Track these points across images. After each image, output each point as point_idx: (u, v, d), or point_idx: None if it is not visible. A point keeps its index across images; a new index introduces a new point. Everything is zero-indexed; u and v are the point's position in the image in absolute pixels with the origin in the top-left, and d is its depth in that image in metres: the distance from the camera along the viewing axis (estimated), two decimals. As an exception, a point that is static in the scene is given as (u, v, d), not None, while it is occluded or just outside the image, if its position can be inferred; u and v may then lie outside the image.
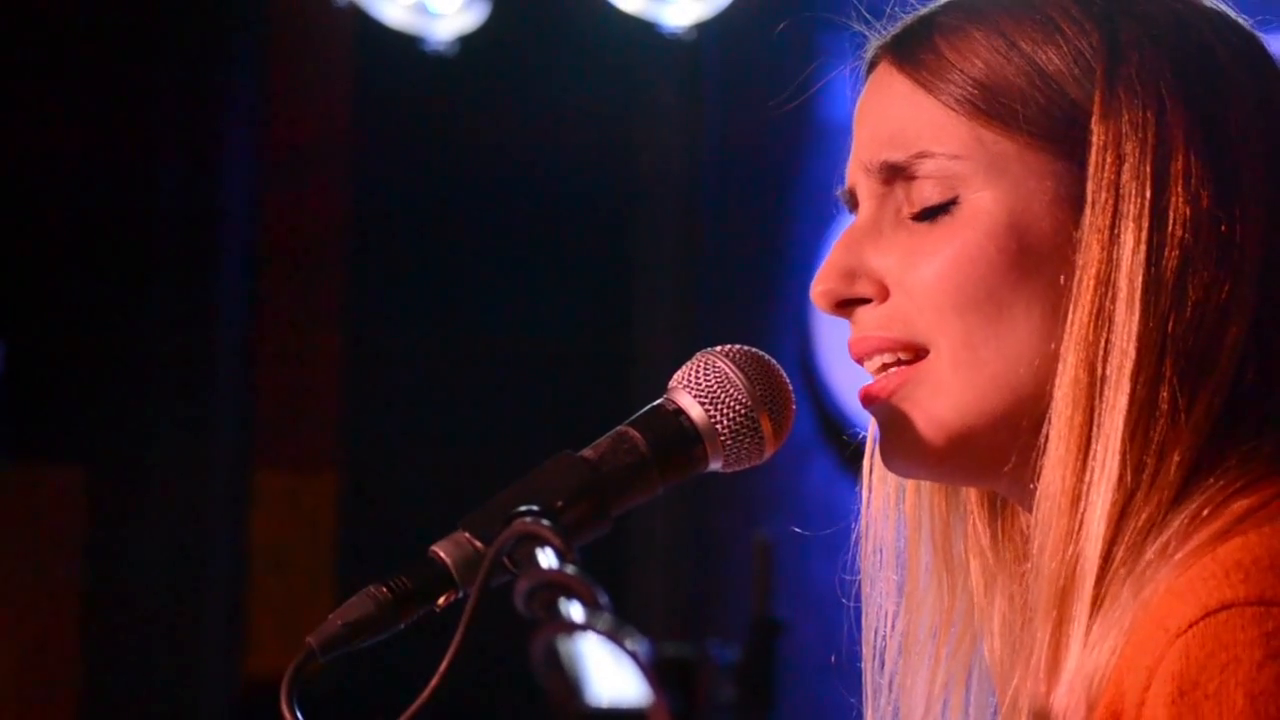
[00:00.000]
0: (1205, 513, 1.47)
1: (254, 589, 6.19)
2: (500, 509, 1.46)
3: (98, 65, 6.11)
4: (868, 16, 1.69)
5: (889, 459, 1.62)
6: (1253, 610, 1.38)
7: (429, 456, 5.93)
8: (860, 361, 1.63)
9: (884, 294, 1.60)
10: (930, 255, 1.57)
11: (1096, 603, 1.48)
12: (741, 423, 1.56)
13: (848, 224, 1.65)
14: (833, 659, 1.76)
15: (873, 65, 1.67)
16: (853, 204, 1.66)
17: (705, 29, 5.43)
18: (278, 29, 6.37)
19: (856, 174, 1.64)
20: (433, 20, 5.53)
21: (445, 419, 6.03)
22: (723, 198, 5.86)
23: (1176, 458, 1.49)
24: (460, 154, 6.04)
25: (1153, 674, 1.39)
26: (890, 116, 1.62)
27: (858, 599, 1.72)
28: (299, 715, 1.46)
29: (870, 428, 1.70)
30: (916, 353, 1.59)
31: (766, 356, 1.60)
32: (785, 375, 1.60)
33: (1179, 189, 1.52)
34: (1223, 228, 1.52)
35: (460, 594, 1.48)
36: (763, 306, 5.75)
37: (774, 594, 4.44)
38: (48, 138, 6.11)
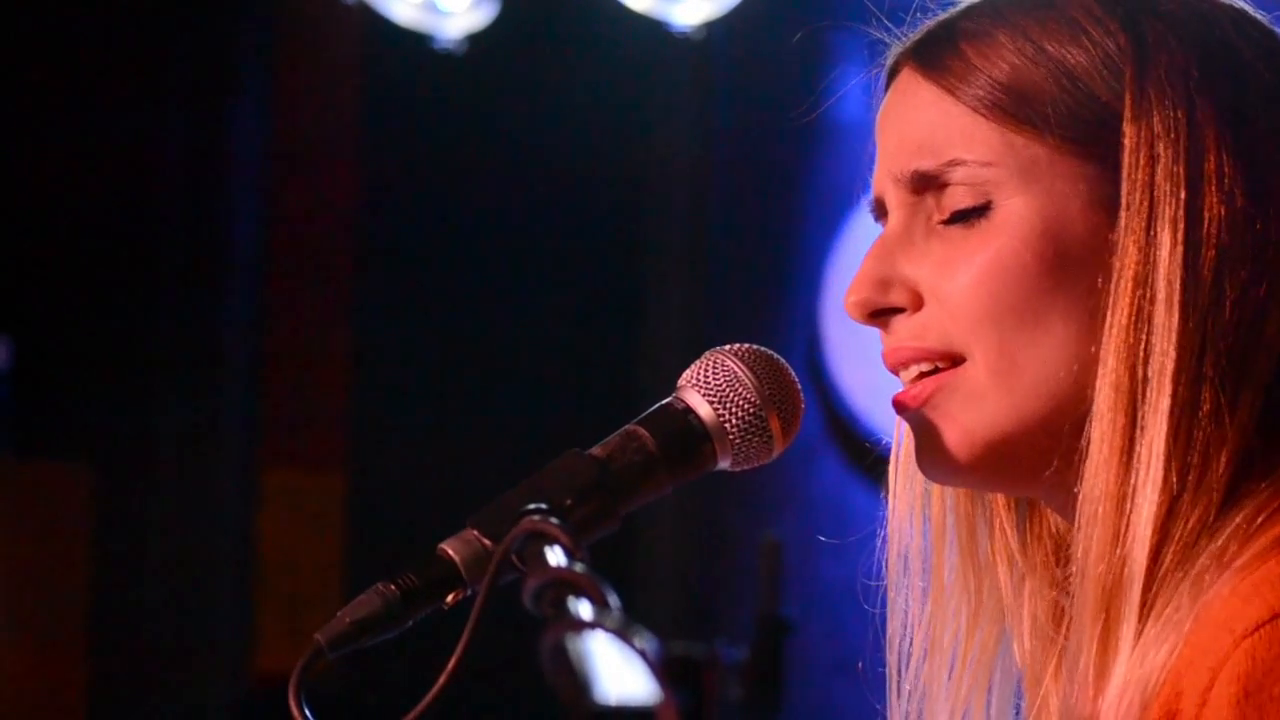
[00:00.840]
0: (1261, 519, 1.46)
1: (262, 588, 6.20)
2: (509, 507, 1.46)
3: (105, 63, 6.11)
4: (887, 24, 1.68)
5: (926, 467, 1.61)
6: None
7: (437, 456, 5.94)
8: (895, 372, 1.61)
9: (918, 303, 1.59)
10: (964, 263, 1.56)
11: (1146, 606, 1.47)
12: (750, 422, 1.56)
13: (876, 233, 1.63)
14: (860, 665, 1.76)
15: (894, 72, 1.66)
16: (881, 214, 1.64)
17: (715, 28, 5.43)
18: (287, 27, 6.37)
19: (885, 183, 1.63)
20: (442, 18, 5.53)
21: (453, 418, 6.03)
22: (732, 196, 5.86)
23: (1223, 458, 1.49)
24: (469, 153, 6.04)
25: (1216, 675, 1.39)
26: (918, 124, 1.60)
27: (875, 603, 1.71)
28: (307, 713, 1.46)
29: (895, 434, 1.69)
30: (953, 360, 1.58)
31: (776, 356, 1.59)
32: (794, 375, 1.59)
33: (1213, 188, 1.52)
34: (1258, 225, 1.52)
35: (468, 592, 1.48)
36: (772, 306, 5.74)
37: (782, 593, 4.44)
38: (56, 136, 6.11)
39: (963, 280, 1.56)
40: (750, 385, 1.57)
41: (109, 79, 6.11)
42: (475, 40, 5.55)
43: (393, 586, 1.47)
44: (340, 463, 6.31)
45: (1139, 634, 1.47)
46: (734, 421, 1.56)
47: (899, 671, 1.70)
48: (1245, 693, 1.36)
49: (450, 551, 1.48)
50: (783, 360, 1.59)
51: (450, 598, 1.48)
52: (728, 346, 1.59)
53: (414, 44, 5.55)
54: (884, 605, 1.70)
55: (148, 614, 5.98)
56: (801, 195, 5.60)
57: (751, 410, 1.56)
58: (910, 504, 1.69)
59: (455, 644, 1.43)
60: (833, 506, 5.31)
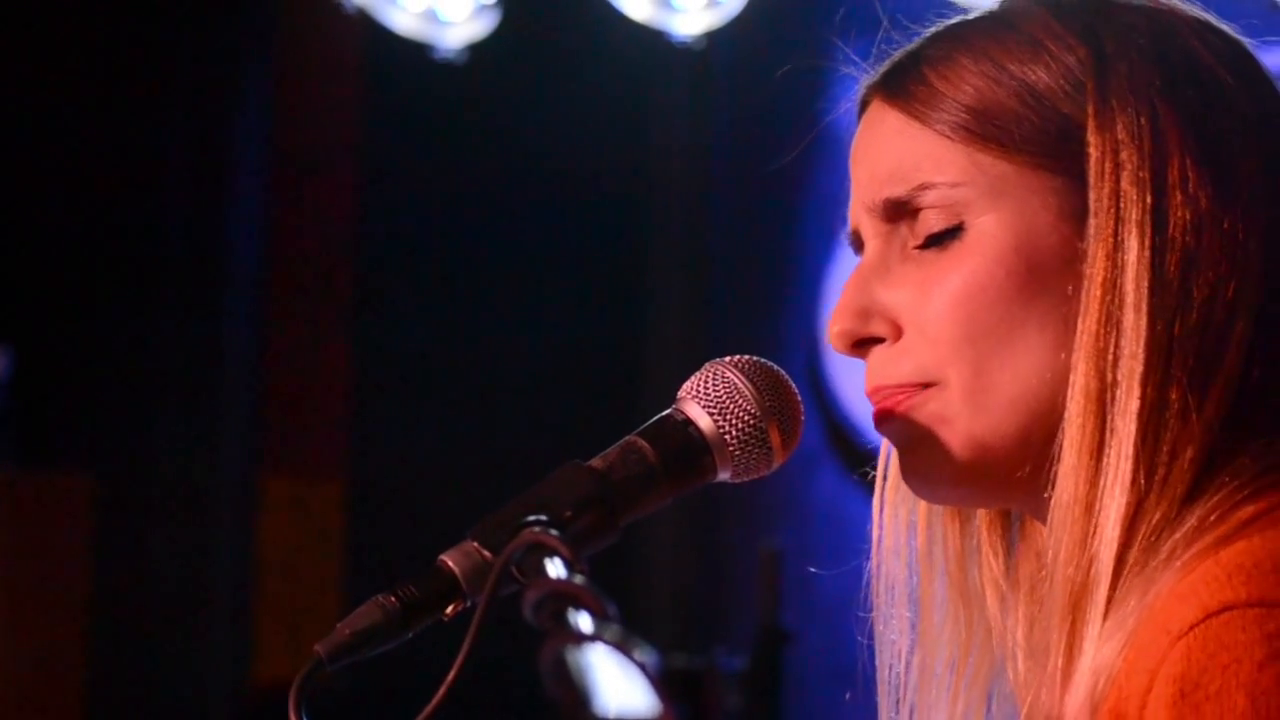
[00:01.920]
0: (1212, 518, 1.47)
1: (261, 597, 6.20)
2: (509, 518, 1.46)
3: (106, 72, 6.12)
4: (855, 59, 1.70)
5: (909, 480, 1.62)
6: (1254, 611, 1.38)
7: (437, 465, 5.93)
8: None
9: (897, 332, 1.60)
10: (939, 286, 1.57)
11: (1109, 606, 1.49)
12: (750, 433, 1.56)
13: (855, 264, 1.65)
14: (851, 695, 1.76)
15: (864, 105, 1.67)
16: (858, 245, 1.66)
17: (715, 38, 5.43)
18: (288, 36, 6.37)
19: (859, 215, 1.65)
20: (442, 28, 5.53)
21: (453, 427, 6.03)
22: (732, 207, 5.86)
23: (1188, 455, 1.50)
24: (470, 163, 6.04)
25: (1154, 676, 1.39)
26: (887, 153, 1.62)
27: (870, 635, 1.72)
28: (307, 724, 1.46)
29: (880, 461, 1.71)
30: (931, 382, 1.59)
31: (776, 367, 1.60)
32: (794, 386, 1.60)
33: (1178, 192, 1.53)
34: (1224, 227, 1.53)
35: (468, 603, 1.48)
36: (772, 316, 5.75)
37: (781, 603, 4.44)
38: (56, 144, 6.11)
39: (939, 304, 1.57)
40: (750, 397, 1.57)
41: (110, 88, 6.12)
42: (476, 50, 5.56)
43: (392, 598, 1.47)
44: (340, 472, 6.31)
45: (1102, 634, 1.48)
46: (734, 433, 1.56)
47: (890, 701, 1.71)
48: (1181, 693, 1.37)
49: (450, 563, 1.48)
50: (783, 372, 1.60)
51: (450, 609, 1.48)
52: (728, 358, 1.60)
53: (415, 53, 5.55)
54: (872, 636, 1.71)
55: (147, 623, 5.98)
56: (801, 205, 5.61)
57: (751, 422, 1.56)
58: (896, 536, 1.70)
59: (455, 656, 1.43)
60: (832, 517, 5.31)
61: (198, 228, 6.16)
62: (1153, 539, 1.49)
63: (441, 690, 1.44)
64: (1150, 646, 1.41)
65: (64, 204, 6.12)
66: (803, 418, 1.60)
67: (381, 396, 6.23)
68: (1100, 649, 1.46)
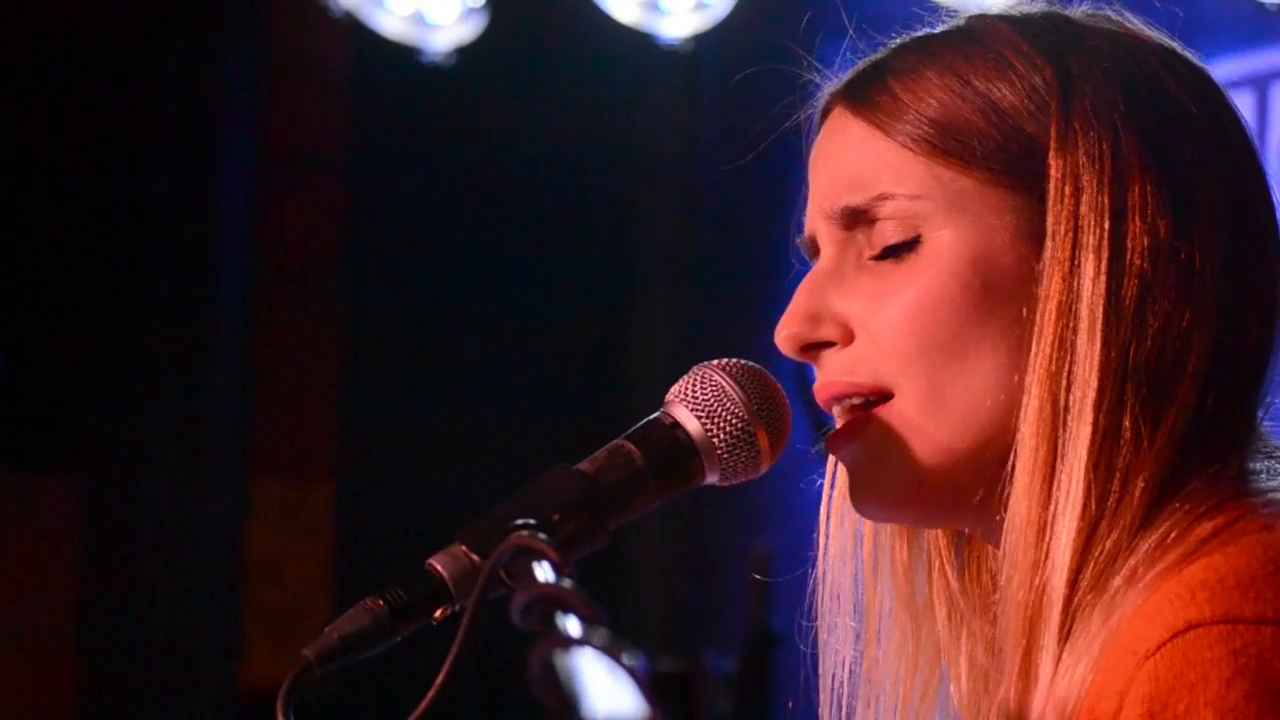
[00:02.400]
0: (1171, 537, 1.47)
1: (250, 600, 6.19)
2: (497, 522, 1.46)
3: (97, 77, 6.11)
4: (818, 65, 1.69)
5: (859, 503, 1.62)
6: (1219, 629, 1.38)
7: (426, 468, 5.93)
8: (828, 408, 1.63)
9: (848, 337, 1.60)
10: (893, 297, 1.57)
11: (1064, 631, 1.48)
12: (738, 437, 1.56)
13: (808, 271, 1.65)
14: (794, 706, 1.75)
15: (826, 112, 1.67)
16: (813, 252, 1.66)
17: (703, 40, 5.43)
18: (276, 40, 6.37)
19: (816, 221, 1.65)
20: (430, 31, 5.53)
21: (442, 431, 6.03)
22: (720, 208, 5.86)
23: (1141, 484, 1.49)
24: (458, 165, 6.04)
25: (1124, 697, 1.39)
26: (848, 160, 1.62)
27: (814, 644, 1.71)
28: (296, 728, 1.46)
29: (827, 472, 1.70)
30: (882, 395, 1.58)
31: (764, 371, 1.59)
32: (782, 390, 1.60)
33: (1137, 219, 1.53)
34: (1181, 256, 1.53)
35: (456, 607, 1.48)
36: (759, 318, 5.74)
37: (770, 605, 4.44)
38: (45, 147, 6.11)
39: (891, 314, 1.57)
40: (738, 400, 1.57)
41: (100, 92, 6.11)
42: (464, 53, 5.55)
43: (381, 602, 1.47)
44: (329, 474, 6.31)
45: (1057, 660, 1.48)
46: (722, 437, 1.56)
47: (832, 712, 1.70)
48: (1150, 713, 1.37)
49: (439, 567, 1.48)
50: (771, 376, 1.60)
51: (438, 613, 1.48)
52: (716, 361, 1.59)
53: (403, 57, 5.55)
54: (815, 646, 1.71)
55: (136, 626, 5.97)
56: (789, 207, 5.61)
57: (739, 425, 1.56)
58: (842, 545, 1.70)
59: (443, 659, 1.43)
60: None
61: (187, 232, 6.15)
62: (1106, 565, 1.48)
63: (430, 693, 1.44)
64: (1117, 668, 1.41)
65: (53, 207, 6.12)
66: (790, 421, 1.60)
67: (370, 400, 6.22)
68: (1065, 675, 1.45)
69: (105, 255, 6.10)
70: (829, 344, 1.61)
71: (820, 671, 1.71)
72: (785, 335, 1.61)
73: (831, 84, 1.67)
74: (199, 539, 6.07)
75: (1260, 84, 4.30)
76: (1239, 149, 1.60)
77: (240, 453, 6.23)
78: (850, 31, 1.68)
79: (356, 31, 5.66)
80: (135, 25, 6.14)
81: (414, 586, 1.48)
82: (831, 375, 1.61)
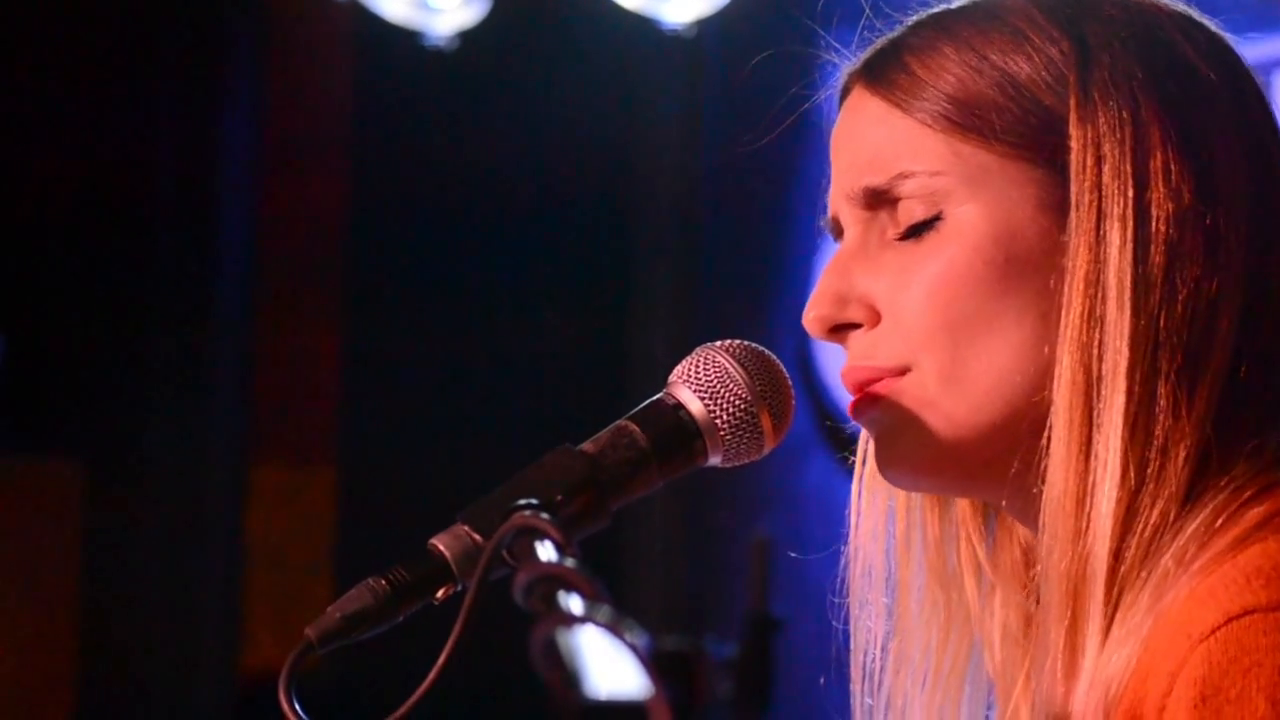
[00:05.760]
0: (1220, 520, 1.47)
1: (251, 584, 6.19)
2: (499, 502, 1.46)
3: (96, 59, 6.11)
4: (836, 45, 1.69)
5: (885, 470, 1.62)
6: (1275, 615, 1.39)
7: (427, 451, 5.93)
8: (854, 393, 1.63)
9: (875, 318, 1.60)
10: (917, 274, 1.58)
11: (1110, 603, 1.49)
12: (741, 418, 1.56)
13: (833, 251, 1.65)
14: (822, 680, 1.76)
15: (846, 92, 1.67)
16: (837, 232, 1.66)
17: (706, 25, 5.43)
18: (277, 24, 6.37)
19: (839, 202, 1.65)
20: (432, 15, 5.52)
21: (443, 414, 6.03)
22: (722, 193, 5.86)
23: (1181, 453, 1.50)
24: (459, 150, 6.04)
25: (1175, 679, 1.40)
26: (867, 140, 1.62)
27: (846, 620, 1.72)
28: (297, 707, 1.46)
29: (859, 445, 1.70)
30: (902, 371, 1.59)
31: (767, 352, 1.59)
32: (785, 371, 1.60)
33: (1160, 185, 1.53)
34: (1207, 221, 1.53)
35: (459, 587, 1.48)
36: (762, 303, 5.75)
37: (771, 591, 4.44)
38: (46, 133, 6.10)
39: (916, 292, 1.57)
40: (741, 381, 1.57)
41: (100, 76, 6.11)
42: (466, 37, 5.55)
43: (383, 581, 1.47)
44: (330, 458, 6.31)
45: (1104, 632, 1.48)
46: (725, 418, 1.56)
47: (864, 686, 1.70)
48: (1202, 696, 1.37)
49: (441, 547, 1.48)
50: (774, 356, 1.60)
51: (441, 593, 1.48)
52: (719, 342, 1.59)
53: (404, 41, 5.54)
54: (847, 621, 1.71)
55: (137, 610, 5.98)
56: (791, 192, 5.60)
57: (742, 407, 1.56)
58: (874, 521, 1.70)
59: (446, 639, 1.43)
60: (822, 504, 5.31)
61: (188, 215, 6.15)
62: (1152, 537, 1.48)
63: (433, 673, 1.44)
64: (1170, 649, 1.41)
65: (54, 192, 6.11)
66: (794, 403, 1.60)
67: (371, 384, 6.22)
68: (1112, 652, 1.46)
69: (107, 239, 6.09)
70: (856, 325, 1.61)
71: (852, 649, 1.71)
72: (813, 317, 1.62)
73: (849, 64, 1.67)
74: (200, 522, 6.07)
75: (1264, 71, 4.31)
76: (1258, 114, 1.60)
77: (241, 437, 6.23)
78: (866, 13, 1.68)
79: (359, 15, 5.65)
80: (135, 10, 6.14)
81: (416, 566, 1.48)
82: (856, 360, 1.61)
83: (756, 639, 4.44)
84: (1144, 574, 1.48)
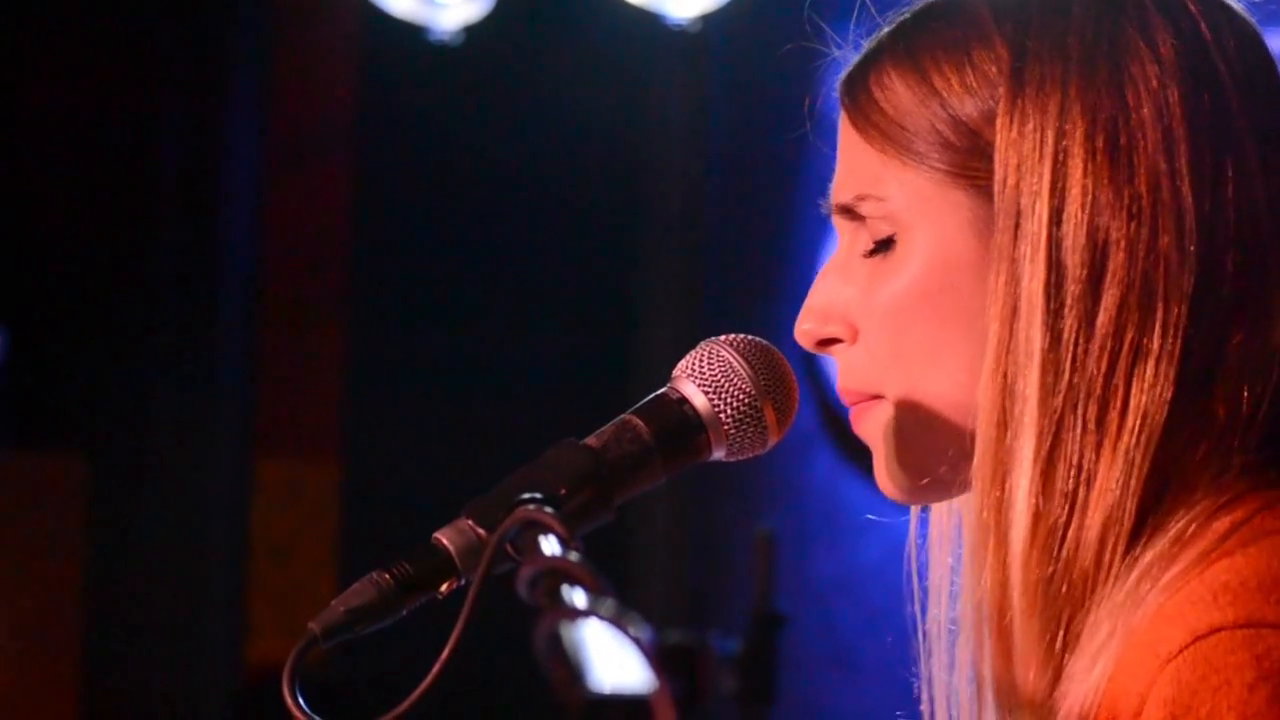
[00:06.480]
0: (1190, 531, 1.45)
1: (255, 578, 6.20)
2: (503, 496, 1.46)
3: (100, 53, 6.11)
4: (839, 41, 1.68)
5: (879, 486, 1.63)
6: (1243, 633, 1.38)
7: (431, 446, 5.93)
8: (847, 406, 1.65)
9: (854, 334, 1.61)
10: (875, 298, 1.58)
11: (1043, 637, 1.47)
12: (745, 412, 1.56)
13: (834, 250, 1.66)
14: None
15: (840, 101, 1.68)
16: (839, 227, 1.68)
17: (711, 20, 5.43)
18: (282, 18, 6.37)
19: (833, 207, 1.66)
20: (438, 10, 5.52)
21: (448, 408, 6.03)
22: (727, 188, 5.86)
23: (1114, 477, 1.47)
24: (464, 144, 6.04)
25: (1144, 699, 1.39)
26: (843, 157, 1.63)
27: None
28: (301, 701, 1.46)
29: None
30: (876, 397, 1.61)
31: (771, 346, 1.60)
32: (789, 365, 1.60)
33: (1079, 209, 1.49)
34: (1128, 245, 1.49)
35: (463, 581, 1.48)
36: (767, 298, 5.74)
37: (775, 586, 4.44)
38: (50, 129, 6.11)
39: (876, 315, 1.58)
40: (746, 375, 1.57)
41: (104, 71, 6.11)
42: (471, 32, 5.55)
43: (387, 575, 1.47)
44: (334, 453, 6.31)
45: (1042, 658, 1.47)
46: (729, 412, 1.56)
47: (938, 645, 1.66)
48: (1172, 716, 1.37)
49: (445, 541, 1.48)
50: (778, 351, 1.60)
51: (444, 587, 1.48)
52: (723, 337, 1.60)
53: (410, 35, 5.54)
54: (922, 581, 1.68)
55: (141, 604, 5.98)
56: (797, 187, 5.60)
57: (747, 400, 1.56)
58: (940, 529, 1.68)
59: (449, 633, 1.43)
60: (826, 499, 5.31)
61: (193, 209, 6.15)
62: (1095, 562, 1.46)
63: (436, 667, 1.44)
64: (1139, 669, 1.40)
65: (58, 188, 6.12)
66: (798, 397, 1.60)
67: (376, 379, 6.22)
68: (1082, 675, 1.45)
69: (111, 233, 6.10)
70: (839, 340, 1.62)
71: (929, 612, 1.67)
72: (800, 331, 1.64)
73: (847, 68, 1.65)
74: (204, 516, 6.07)
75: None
76: (1218, 102, 1.52)
77: (245, 431, 6.23)
78: (870, 9, 1.67)
79: (364, 9, 5.65)
80: (139, 7, 6.14)
81: (420, 560, 1.48)
82: (841, 379, 1.63)
83: (760, 634, 4.44)
84: (1103, 596, 1.46)
